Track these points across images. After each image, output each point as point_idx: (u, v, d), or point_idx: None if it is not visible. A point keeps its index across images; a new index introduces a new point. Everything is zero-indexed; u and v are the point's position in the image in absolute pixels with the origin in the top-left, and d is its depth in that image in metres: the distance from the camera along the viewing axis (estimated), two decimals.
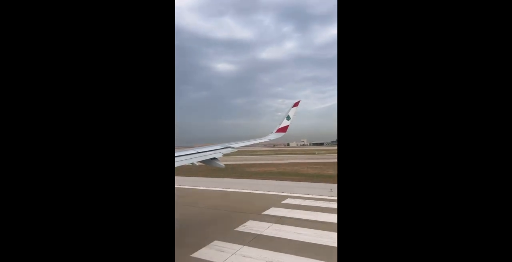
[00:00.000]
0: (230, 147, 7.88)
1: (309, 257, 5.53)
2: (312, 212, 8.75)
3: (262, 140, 9.23)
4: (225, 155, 7.47)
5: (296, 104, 9.89)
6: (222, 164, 7.08)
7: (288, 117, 9.88)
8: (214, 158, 7.01)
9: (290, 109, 9.87)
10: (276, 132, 9.80)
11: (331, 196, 10.95)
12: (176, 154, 6.20)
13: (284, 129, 9.83)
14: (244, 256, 5.67)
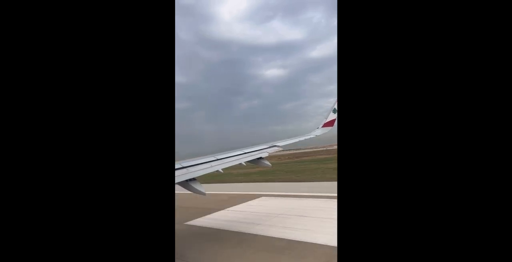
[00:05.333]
0: (275, 146, 7.97)
1: None
2: None
3: (307, 137, 9.03)
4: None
5: None
6: (268, 163, 7.22)
7: (334, 110, 9.40)
8: (261, 158, 7.20)
9: (336, 102, 9.39)
10: (322, 126, 9.44)
11: None
12: (224, 156, 6.61)
13: (331, 123, 9.40)
14: None
